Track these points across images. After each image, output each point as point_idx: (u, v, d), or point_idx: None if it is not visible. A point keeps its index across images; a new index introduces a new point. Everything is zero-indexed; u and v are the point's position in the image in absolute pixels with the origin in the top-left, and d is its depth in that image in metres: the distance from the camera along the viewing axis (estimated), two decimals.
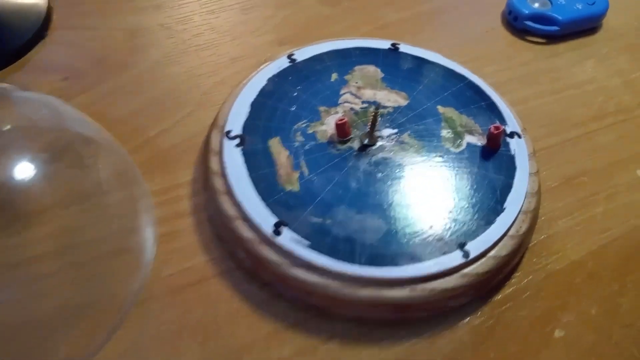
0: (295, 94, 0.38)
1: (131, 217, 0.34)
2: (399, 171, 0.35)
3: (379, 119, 0.37)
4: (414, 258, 0.31)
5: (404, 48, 0.42)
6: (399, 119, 0.38)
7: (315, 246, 0.31)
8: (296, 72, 0.40)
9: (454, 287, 0.31)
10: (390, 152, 0.36)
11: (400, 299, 0.30)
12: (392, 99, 0.39)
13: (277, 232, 0.31)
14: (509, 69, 0.46)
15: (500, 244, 0.32)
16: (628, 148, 0.41)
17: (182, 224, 0.35)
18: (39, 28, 0.46)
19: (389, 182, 0.34)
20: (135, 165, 0.37)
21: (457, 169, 0.35)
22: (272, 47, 0.46)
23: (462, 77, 0.41)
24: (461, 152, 0.36)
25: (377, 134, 0.37)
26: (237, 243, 0.32)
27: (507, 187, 0.34)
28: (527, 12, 0.48)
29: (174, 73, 0.44)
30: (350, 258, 0.31)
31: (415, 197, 0.34)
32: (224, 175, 0.34)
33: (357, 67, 0.41)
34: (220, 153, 0.35)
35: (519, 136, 0.37)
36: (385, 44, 0.42)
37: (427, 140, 0.37)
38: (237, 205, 0.33)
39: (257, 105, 0.37)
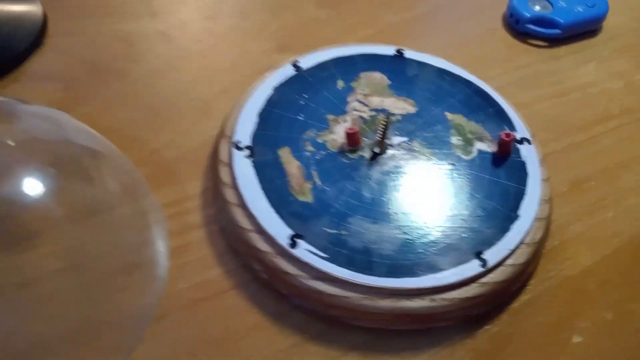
0: (302, 102, 0.38)
1: (142, 230, 0.33)
2: (412, 180, 0.35)
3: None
4: (432, 268, 0.31)
5: (409, 54, 0.42)
6: (408, 126, 0.38)
7: (332, 258, 0.31)
8: (302, 80, 0.39)
9: (473, 296, 0.31)
10: (402, 161, 0.36)
11: (420, 309, 0.30)
12: (400, 106, 0.39)
13: (293, 245, 0.31)
14: (511, 72, 0.47)
15: (517, 252, 0.32)
16: (633, 150, 0.42)
17: (193, 236, 0.35)
18: (35, 36, 0.45)
19: (402, 191, 0.34)
20: (142, 177, 0.36)
21: (469, 176, 0.35)
22: (273, 54, 0.46)
23: (469, 83, 0.41)
24: (472, 160, 0.36)
25: (387, 142, 0.36)
26: (253, 255, 0.32)
27: (520, 194, 0.34)
28: (528, 15, 0.48)
29: (174, 81, 0.43)
30: (368, 269, 0.31)
31: (429, 206, 0.34)
32: (235, 187, 0.33)
33: (362, 74, 0.41)
34: (230, 164, 0.35)
35: (529, 142, 0.37)
36: (389, 50, 0.42)
37: (438, 147, 0.36)
38: (250, 217, 0.32)
39: (265, 115, 0.37)
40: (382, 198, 0.34)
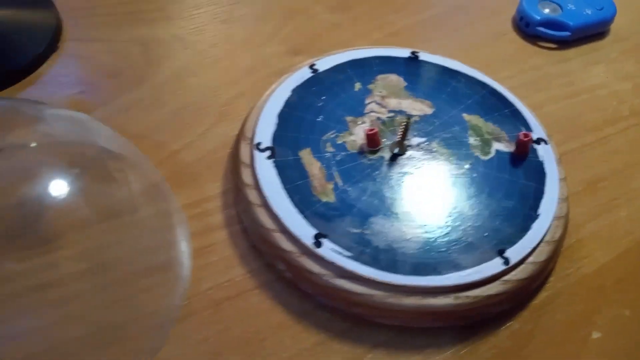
0: (320, 104, 0.39)
1: (165, 231, 0.34)
2: (432, 180, 0.35)
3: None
4: (455, 266, 0.31)
5: (423, 56, 0.43)
6: (426, 127, 0.38)
7: (356, 257, 0.31)
8: (319, 83, 0.40)
9: (496, 293, 0.31)
10: (421, 161, 0.36)
11: (444, 306, 0.31)
12: (417, 107, 0.39)
13: (317, 244, 0.31)
14: (522, 74, 0.47)
15: (537, 250, 0.33)
16: None
17: (216, 237, 0.35)
18: (50, 41, 0.45)
19: (423, 191, 0.35)
20: (164, 179, 0.36)
21: (488, 176, 0.36)
22: (287, 57, 0.47)
23: (483, 85, 0.41)
24: (490, 160, 0.37)
25: (407, 143, 0.37)
26: (277, 255, 0.32)
27: (539, 194, 0.35)
28: (539, 18, 0.49)
29: (192, 85, 0.44)
30: (392, 268, 0.31)
31: (451, 206, 0.34)
32: (258, 188, 0.34)
33: (379, 77, 0.41)
34: (251, 165, 0.35)
35: (545, 142, 0.38)
36: (404, 53, 0.43)
37: (456, 148, 0.37)
38: (274, 217, 0.33)
39: (284, 117, 0.37)
40: (403, 198, 0.34)
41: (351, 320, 0.32)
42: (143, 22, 0.48)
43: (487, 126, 0.39)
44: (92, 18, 0.48)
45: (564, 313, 0.33)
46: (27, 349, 0.26)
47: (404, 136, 0.36)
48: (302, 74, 0.41)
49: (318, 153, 0.36)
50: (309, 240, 0.32)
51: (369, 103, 0.39)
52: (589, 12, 0.50)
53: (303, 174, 0.35)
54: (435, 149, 0.37)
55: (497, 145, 0.38)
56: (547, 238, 0.33)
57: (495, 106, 0.40)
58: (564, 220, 0.35)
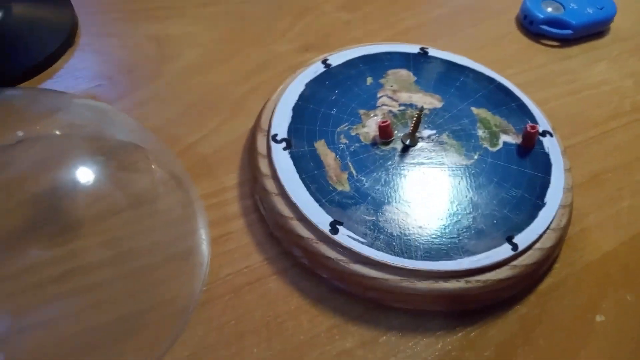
0: (333, 97, 0.40)
1: (186, 220, 0.35)
2: (443, 170, 0.37)
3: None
4: (466, 252, 0.33)
5: (432, 52, 0.44)
6: (436, 120, 0.39)
7: (371, 243, 0.32)
8: (332, 77, 0.41)
9: (505, 277, 0.32)
10: (432, 152, 0.38)
11: (456, 290, 0.32)
12: (427, 101, 0.41)
13: (334, 231, 0.33)
14: (527, 71, 0.49)
15: (544, 237, 0.34)
16: None
17: (234, 225, 0.36)
18: (67, 36, 0.46)
19: (435, 181, 0.36)
20: (185, 169, 0.37)
21: (496, 166, 0.37)
22: (299, 54, 0.48)
23: (491, 80, 0.43)
24: (498, 151, 0.38)
25: (418, 135, 0.38)
26: (294, 242, 0.34)
27: (545, 183, 0.36)
28: (542, 16, 0.50)
29: (205, 80, 0.45)
30: (406, 253, 0.32)
31: (461, 194, 0.35)
32: (275, 178, 0.35)
33: (390, 71, 0.42)
34: (268, 156, 0.36)
35: (551, 135, 0.39)
36: (414, 49, 0.44)
37: (465, 140, 0.38)
38: (292, 205, 0.34)
39: (299, 110, 0.39)
40: (415, 187, 0.35)
41: (366, 304, 0.33)
42: (157, 19, 0.49)
43: (495, 119, 0.40)
44: (106, 14, 0.50)
45: (570, 298, 0.35)
46: (53, 336, 0.27)
47: (416, 127, 0.37)
48: (316, 68, 0.42)
49: (332, 144, 0.37)
50: (325, 227, 0.33)
51: (380, 97, 0.41)
52: (591, 11, 0.51)
53: (319, 164, 0.36)
54: (445, 141, 0.38)
55: (504, 138, 0.39)
56: (553, 225, 0.35)
57: (503, 100, 0.41)
58: (569, 208, 0.36)
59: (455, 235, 0.33)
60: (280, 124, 0.38)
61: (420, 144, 0.38)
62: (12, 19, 0.45)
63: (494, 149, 0.38)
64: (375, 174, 0.36)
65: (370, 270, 0.32)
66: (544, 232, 0.34)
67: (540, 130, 0.39)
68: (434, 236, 0.33)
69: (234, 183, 0.38)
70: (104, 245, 0.30)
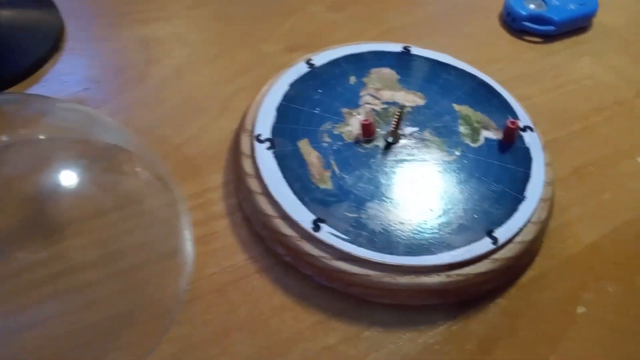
0: (317, 97, 0.40)
1: (171, 221, 0.35)
2: (424, 166, 0.37)
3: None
4: (447, 246, 0.33)
5: (415, 51, 0.45)
6: (418, 117, 0.40)
7: (353, 240, 0.33)
8: (316, 77, 0.42)
9: (486, 271, 0.33)
10: (414, 149, 0.38)
11: (437, 284, 0.32)
12: (409, 99, 0.41)
13: (316, 228, 0.33)
14: (511, 67, 0.49)
15: (524, 230, 0.35)
16: (628, 137, 0.44)
17: (218, 225, 0.37)
18: (54, 41, 0.47)
19: (416, 177, 0.36)
20: (169, 170, 0.38)
21: (478, 162, 0.38)
22: (285, 54, 0.48)
23: (473, 77, 0.43)
24: (480, 147, 0.38)
25: (400, 132, 0.39)
26: (277, 240, 0.34)
27: (525, 178, 0.37)
28: (524, 13, 0.51)
29: (192, 82, 0.45)
30: (387, 249, 0.33)
31: (443, 190, 0.36)
32: (259, 177, 0.35)
33: (373, 70, 0.43)
34: (252, 156, 0.37)
35: (532, 130, 0.40)
36: (397, 47, 0.45)
37: (447, 136, 0.39)
38: (275, 204, 0.34)
39: (283, 110, 0.39)
40: (397, 184, 0.36)
41: (349, 300, 0.34)
42: (143, 22, 0.50)
43: (477, 115, 0.40)
44: (92, 18, 0.50)
45: (551, 290, 0.35)
46: (41, 337, 0.27)
47: (398, 125, 0.37)
48: (299, 68, 0.42)
49: (316, 143, 0.38)
50: (308, 225, 0.33)
51: (363, 95, 0.41)
52: (572, 7, 0.52)
53: (302, 163, 0.36)
54: (427, 138, 0.39)
55: (485, 133, 0.39)
56: (533, 219, 0.35)
57: (484, 97, 0.42)
58: (550, 202, 0.36)
59: (437, 231, 0.34)
60: (264, 124, 0.38)
61: (402, 142, 0.38)
62: None
63: (476, 145, 0.39)
64: (358, 171, 0.36)
65: (352, 266, 0.32)
66: (524, 225, 0.35)
67: (521, 125, 0.40)
68: (415, 232, 0.34)
69: (219, 183, 0.39)
70: (90, 246, 0.31)
